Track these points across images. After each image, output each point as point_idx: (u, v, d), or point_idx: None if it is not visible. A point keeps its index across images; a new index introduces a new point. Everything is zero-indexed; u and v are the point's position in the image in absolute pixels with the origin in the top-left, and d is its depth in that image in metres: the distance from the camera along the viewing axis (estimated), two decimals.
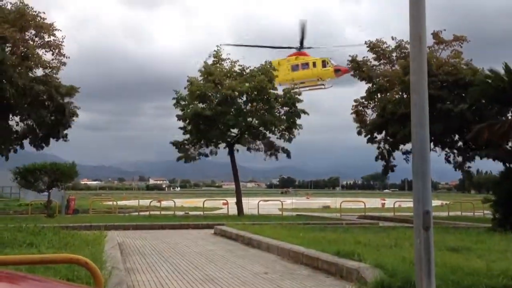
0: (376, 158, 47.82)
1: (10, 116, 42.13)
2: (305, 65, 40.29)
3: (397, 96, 44.37)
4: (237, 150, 48.67)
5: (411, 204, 6.91)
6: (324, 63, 39.78)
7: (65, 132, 43.66)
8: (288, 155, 48.90)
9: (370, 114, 48.32)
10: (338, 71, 39.81)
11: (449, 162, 46.07)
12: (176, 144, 48.17)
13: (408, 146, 45.78)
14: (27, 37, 41.32)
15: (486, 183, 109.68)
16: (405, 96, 42.47)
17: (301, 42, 39.72)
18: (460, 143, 44.90)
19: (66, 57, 42.32)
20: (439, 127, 40.36)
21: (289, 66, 41.02)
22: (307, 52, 40.70)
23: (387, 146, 47.34)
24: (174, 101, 47.09)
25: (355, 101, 48.39)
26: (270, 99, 46.69)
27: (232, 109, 46.00)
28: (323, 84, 41.00)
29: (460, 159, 45.74)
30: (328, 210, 60.69)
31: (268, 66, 47.92)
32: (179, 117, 46.76)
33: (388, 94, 45.68)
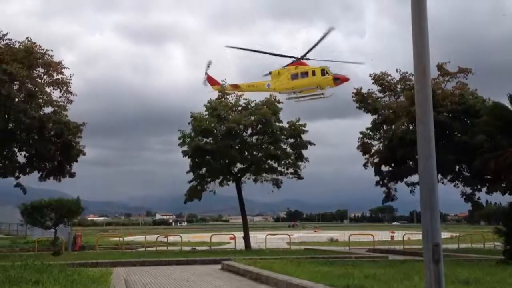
0: (377, 183, 47.61)
1: (17, 151, 42.40)
2: (305, 74, 40.82)
3: (403, 127, 44.43)
4: (244, 182, 48.54)
5: (420, 237, 6.81)
6: (323, 72, 40.24)
7: (72, 170, 43.84)
8: (299, 177, 48.44)
9: (376, 146, 48.28)
10: (337, 79, 40.21)
11: (456, 188, 45.81)
12: (189, 194, 47.62)
13: (414, 178, 45.63)
14: (35, 75, 41.87)
15: (496, 214, 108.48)
16: (411, 127, 42.51)
17: (308, 51, 40.06)
18: (468, 174, 44.68)
19: (74, 95, 42.91)
20: (452, 158, 40.41)
21: (288, 75, 41.56)
22: (306, 62, 41.10)
23: (387, 180, 47.20)
24: (180, 140, 47.38)
25: (361, 133, 48.44)
26: (275, 132, 46.86)
27: (237, 143, 46.13)
28: (322, 93, 41.22)
29: (468, 189, 45.44)
30: (337, 244, 60.09)
31: (273, 99, 48.26)
32: (184, 154, 46.93)
33: (394, 125, 45.75)
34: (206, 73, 45.26)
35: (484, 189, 43.77)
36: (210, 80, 45.34)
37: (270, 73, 43.09)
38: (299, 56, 40.62)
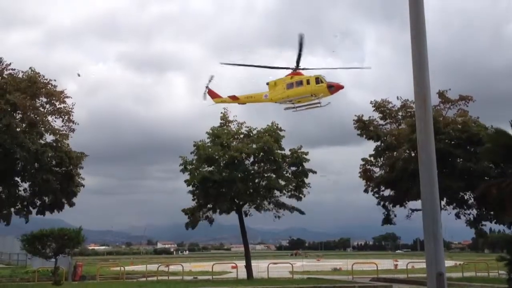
0: (378, 204, 47.44)
1: (19, 181, 42.39)
2: (299, 83, 41.47)
3: (405, 154, 44.43)
4: (247, 213, 48.37)
5: (424, 265, 6.73)
6: (318, 80, 40.85)
7: (72, 200, 43.79)
8: (301, 212, 48.44)
9: (378, 172, 48.22)
10: (331, 87, 40.71)
11: (459, 217, 45.52)
12: (187, 211, 47.87)
13: (415, 204, 45.43)
14: (38, 104, 42.11)
15: (500, 242, 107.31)
16: (413, 154, 42.51)
17: (298, 62, 40.75)
18: (471, 201, 44.50)
19: (75, 124, 43.07)
20: (456, 185, 40.38)
21: (284, 85, 42.17)
22: (302, 72, 41.77)
23: (387, 203, 47.05)
24: (182, 167, 47.37)
25: (363, 159, 48.44)
26: (277, 160, 46.92)
27: (240, 173, 46.20)
28: (319, 102, 41.73)
29: (471, 217, 45.17)
30: (340, 273, 59.45)
31: (275, 127, 48.37)
32: (187, 182, 46.87)
33: (396, 152, 45.80)
34: (207, 87, 45.67)
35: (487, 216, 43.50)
36: (211, 94, 45.72)
37: (267, 84, 43.84)
38: (294, 67, 41.38)
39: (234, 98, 45.20)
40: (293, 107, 42.84)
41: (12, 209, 42.36)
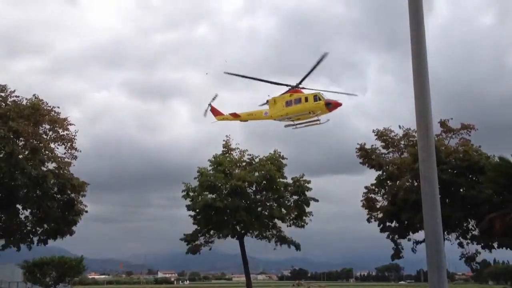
0: (387, 237, 47.07)
1: (20, 208, 42.26)
2: (298, 100, 41.93)
3: (408, 184, 44.32)
4: (248, 234, 48.07)
5: None
6: (316, 98, 41.22)
7: (72, 228, 43.59)
8: (298, 248, 48.29)
9: (381, 201, 48.02)
10: (329, 104, 41.02)
11: (462, 246, 45.13)
12: (186, 239, 47.64)
13: (419, 236, 45.07)
14: (41, 131, 42.29)
15: (504, 273, 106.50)
16: (415, 183, 42.39)
17: (303, 79, 41.29)
18: (475, 232, 44.20)
19: (78, 151, 43.18)
20: (458, 214, 40.17)
21: (283, 102, 42.60)
22: (301, 90, 42.23)
23: (396, 237, 46.75)
24: (184, 193, 47.38)
25: (366, 187, 48.27)
26: (279, 188, 46.92)
27: (243, 202, 46.15)
28: (318, 120, 42.09)
29: (472, 250, 44.87)
30: None
31: (277, 155, 48.45)
32: (189, 208, 46.80)
33: (398, 181, 45.69)
34: (210, 104, 46.06)
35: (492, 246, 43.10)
36: (214, 111, 46.11)
37: (267, 101, 44.27)
38: (295, 84, 41.86)
39: (235, 116, 45.62)
40: (293, 125, 43.26)
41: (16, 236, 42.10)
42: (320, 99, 41.00)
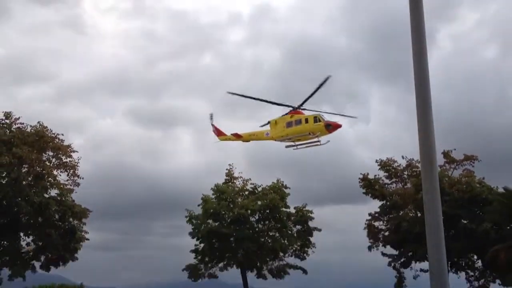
0: (389, 264, 46.51)
1: (22, 235, 42.15)
2: (298, 122, 42.48)
3: (411, 215, 44.18)
4: (252, 270, 47.69)
5: None
6: (316, 119, 41.73)
7: (75, 255, 43.36)
8: (304, 272, 47.79)
9: (384, 230, 47.68)
10: (329, 126, 41.49)
11: (470, 282, 44.59)
12: (189, 268, 47.21)
13: (422, 265, 44.63)
14: (44, 158, 42.47)
15: None
16: (419, 214, 42.24)
17: (305, 101, 41.84)
18: (479, 264, 43.78)
19: (81, 178, 43.25)
20: (459, 246, 39.88)
21: (284, 123, 43.07)
22: (302, 112, 42.68)
23: (398, 266, 46.32)
24: (187, 218, 47.22)
25: (369, 214, 47.96)
26: (282, 218, 46.71)
27: (246, 231, 45.98)
28: (319, 141, 42.43)
29: (480, 283, 44.28)
30: None
31: (280, 184, 48.36)
32: (191, 234, 46.54)
33: (401, 212, 45.53)
34: (212, 125, 46.49)
35: (498, 281, 42.55)
36: (217, 132, 46.61)
37: (268, 122, 44.77)
38: (296, 106, 42.39)
39: (237, 136, 46.07)
40: (294, 145, 43.68)
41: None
42: (320, 121, 41.60)
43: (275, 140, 44.31)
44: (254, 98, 44.81)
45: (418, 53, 6.67)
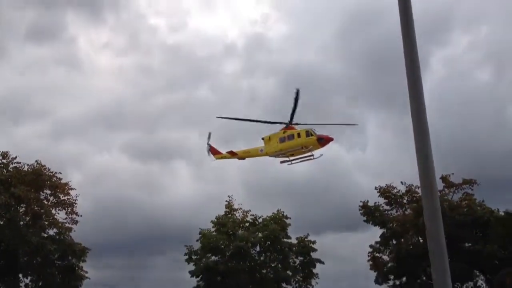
0: None
1: (21, 276, 41.67)
2: (291, 137, 43.31)
3: (413, 241, 43.94)
4: None
5: None
6: (308, 133, 42.52)
7: None
8: None
9: (387, 260, 47.23)
10: (321, 139, 42.34)
11: None
12: None
13: None
14: (42, 196, 42.39)
15: None
16: (421, 240, 42.04)
17: (291, 117, 42.63)
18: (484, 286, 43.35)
19: (79, 215, 43.09)
20: (465, 269, 39.56)
21: (277, 139, 43.66)
22: (295, 127, 43.25)
23: None
24: (186, 256, 46.75)
25: (371, 246, 47.55)
26: (284, 249, 46.23)
27: (247, 264, 45.51)
28: (312, 155, 42.98)
29: None
30: None
31: (281, 215, 48.09)
32: (192, 273, 45.96)
33: (403, 239, 45.27)
34: (208, 144, 46.98)
35: None
36: (213, 151, 47.14)
37: (262, 139, 45.38)
38: (287, 122, 43.24)
39: (232, 154, 46.59)
40: (288, 161, 44.25)
41: None
42: (312, 135, 42.45)
43: (270, 156, 45.05)
44: (244, 120, 45.79)
45: (412, 78, 6.66)
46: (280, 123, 43.85)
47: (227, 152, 46.69)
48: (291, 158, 43.82)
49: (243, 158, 47.10)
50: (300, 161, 44.17)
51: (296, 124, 43.50)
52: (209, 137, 47.15)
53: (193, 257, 46.39)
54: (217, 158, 47.35)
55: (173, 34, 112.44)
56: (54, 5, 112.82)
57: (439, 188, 44.54)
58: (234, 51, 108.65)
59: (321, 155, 43.51)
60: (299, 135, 42.78)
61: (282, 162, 44.86)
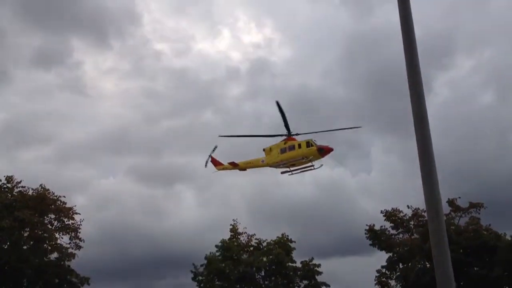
0: None
1: None
2: (292, 147, 43.84)
3: (419, 266, 43.46)
4: None
5: None
6: (308, 144, 43.01)
7: None
8: None
9: (395, 285, 46.70)
10: (321, 150, 42.93)
11: None
12: None
13: None
14: (46, 220, 42.36)
15: None
16: (428, 265, 41.58)
17: (286, 127, 43.16)
18: None
19: (82, 241, 42.86)
20: None
21: (278, 150, 44.07)
22: (296, 138, 43.50)
23: None
24: (192, 276, 46.61)
25: (378, 271, 47.05)
26: (289, 273, 45.84)
27: (251, 285, 45.23)
28: (312, 165, 43.29)
29: None
30: None
31: (285, 239, 47.81)
32: None
33: (410, 263, 44.77)
34: (210, 155, 47.41)
35: None
36: (214, 162, 47.57)
37: (264, 150, 45.78)
38: (287, 133, 43.80)
39: (234, 165, 47.03)
40: (289, 171, 44.62)
41: None
42: (312, 145, 43.02)
43: (270, 166, 45.49)
44: (245, 136, 46.59)
45: (417, 102, 6.64)
46: (281, 135, 44.78)
47: (228, 163, 47.41)
48: (292, 168, 44.46)
49: (244, 169, 47.72)
50: (301, 171, 44.90)
51: (297, 134, 44.32)
52: (213, 150, 47.82)
53: (199, 278, 46.26)
54: (218, 170, 47.97)
55: (178, 59, 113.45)
56: (60, 31, 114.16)
57: (445, 212, 44.43)
58: (237, 75, 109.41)
59: (321, 165, 44.31)
60: (299, 145, 43.56)
61: (282, 172, 45.67)
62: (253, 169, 47.81)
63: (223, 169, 47.93)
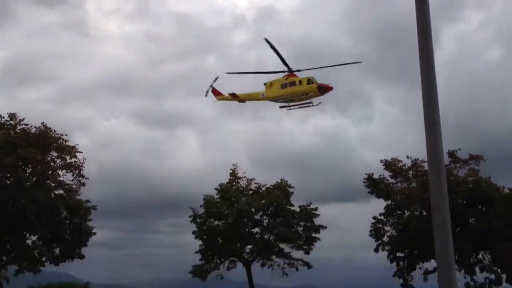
0: (394, 274, 46.29)
1: (28, 235, 42.20)
2: (292, 83, 44.94)
3: (417, 213, 44.08)
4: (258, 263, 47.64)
5: None
6: (309, 81, 44.07)
7: (82, 253, 43.40)
8: (309, 266, 47.67)
9: (389, 231, 47.46)
10: (321, 88, 43.92)
11: (472, 278, 44.32)
12: (195, 272, 47.17)
13: (429, 264, 44.42)
14: (48, 158, 42.52)
15: None
16: (424, 213, 42.16)
17: (285, 64, 43.91)
18: (486, 262, 43.54)
19: (86, 178, 43.22)
20: (470, 246, 39.87)
21: (279, 85, 44.95)
22: (297, 74, 44.19)
23: (406, 265, 46.07)
24: (191, 218, 47.32)
25: (374, 218, 47.75)
26: (287, 215, 46.57)
27: (248, 225, 46.17)
28: (311, 102, 44.34)
29: (479, 281, 44.04)
30: None
31: (284, 184, 48.30)
32: (195, 234, 46.56)
33: (407, 211, 45.36)
34: (211, 85, 47.93)
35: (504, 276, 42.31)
36: (214, 92, 48.23)
37: (264, 84, 46.46)
38: (288, 70, 44.43)
39: (234, 96, 47.81)
40: (288, 106, 45.35)
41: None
42: (313, 83, 43.81)
43: (270, 100, 46.17)
44: (250, 73, 46.94)
45: (425, 53, 6.62)
46: (283, 71, 45.05)
47: (229, 94, 47.84)
48: (291, 104, 45.08)
49: (244, 101, 48.33)
50: (299, 107, 45.55)
51: (298, 71, 44.69)
52: (214, 80, 48.12)
53: (198, 220, 46.98)
54: (218, 99, 48.52)
55: (184, 3, 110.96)
56: None
57: (445, 163, 44.63)
58: (243, 23, 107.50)
59: (320, 102, 44.89)
60: (300, 82, 44.19)
61: (281, 107, 46.42)
62: (253, 101, 48.45)
63: (223, 99, 48.58)
